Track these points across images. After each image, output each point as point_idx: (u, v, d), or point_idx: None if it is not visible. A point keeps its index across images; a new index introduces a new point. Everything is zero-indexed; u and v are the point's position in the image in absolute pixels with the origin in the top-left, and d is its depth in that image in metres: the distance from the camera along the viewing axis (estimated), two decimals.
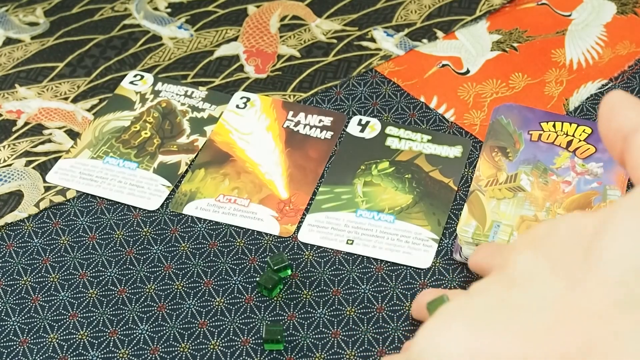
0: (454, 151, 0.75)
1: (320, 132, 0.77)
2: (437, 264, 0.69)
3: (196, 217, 0.72)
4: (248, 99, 0.79)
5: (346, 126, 0.77)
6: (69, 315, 0.68)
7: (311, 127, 0.77)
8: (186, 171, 0.75)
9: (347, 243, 0.70)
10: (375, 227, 0.71)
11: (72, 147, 0.76)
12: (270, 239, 0.71)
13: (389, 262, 0.69)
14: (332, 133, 0.77)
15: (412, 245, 0.70)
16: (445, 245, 0.70)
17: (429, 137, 0.76)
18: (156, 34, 0.84)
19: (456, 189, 0.73)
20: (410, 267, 0.69)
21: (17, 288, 0.69)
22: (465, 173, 0.74)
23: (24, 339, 0.67)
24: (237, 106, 0.79)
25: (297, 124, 0.77)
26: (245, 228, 0.72)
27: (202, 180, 0.74)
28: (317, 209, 0.72)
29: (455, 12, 0.84)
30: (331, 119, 0.78)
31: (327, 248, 0.70)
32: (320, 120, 0.77)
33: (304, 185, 0.74)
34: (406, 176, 0.74)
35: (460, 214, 0.71)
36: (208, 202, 0.73)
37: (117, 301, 0.68)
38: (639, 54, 0.81)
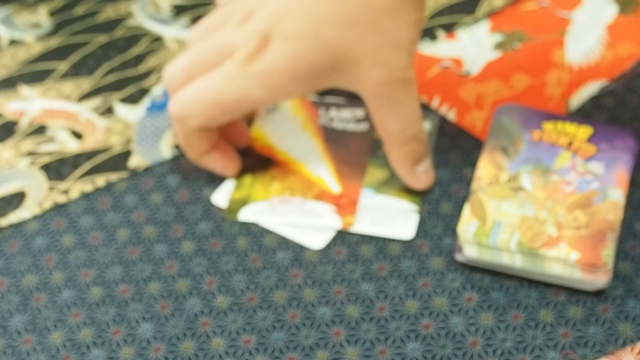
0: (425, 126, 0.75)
1: (356, 124, 0.76)
2: (438, 264, 0.69)
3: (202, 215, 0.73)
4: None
5: None
6: (72, 314, 0.68)
7: (347, 122, 0.77)
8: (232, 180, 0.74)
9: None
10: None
11: None
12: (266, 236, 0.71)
13: (370, 235, 0.70)
14: (367, 125, 0.76)
15: (393, 216, 0.71)
16: (446, 245, 0.71)
17: None
18: (160, 35, 0.85)
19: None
20: (411, 267, 0.69)
21: (20, 288, 0.69)
22: (466, 173, 0.74)
23: (27, 338, 0.67)
24: (266, 110, 0.78)
25: (332, 120, 0.77)
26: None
27: (250, 186, 0.74)
28: None
29: (456, 12, 0.84)
30: (363, 111, 0.77)
31: (327, 247, 0.71)
32: (353, 115, 0.77)
33: (353, 176, 0.74)
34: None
35: (461, 213, 0.71)
36: (261, 206, 0.73)
37: (120, 301, 0.69)
38: None
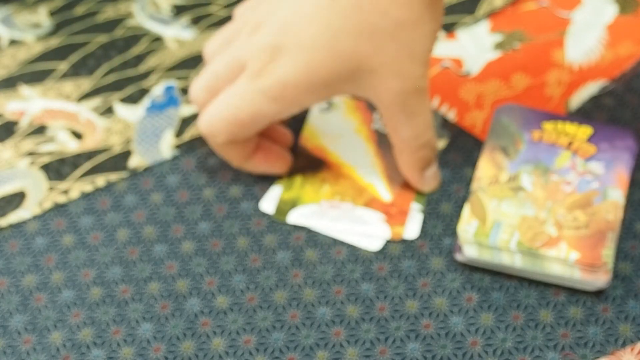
0: None
1: None
2: (438, 264, 0.70)
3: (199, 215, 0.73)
4: (331, 102, 0.78)
5: None
6: (72, 314, 0.68)
7: None
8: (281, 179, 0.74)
9: None
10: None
11: None
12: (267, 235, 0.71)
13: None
14: None
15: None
16: (446, 245, 0.71)
17: None
18: (160, 35, 0.85)
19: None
20: (411, 267, 0.69)
21: (20, 288, 0.69)
22: (466, 173, 0.74)
23: (27, 338, 0.67)
24: (320, 109, 0.78)
25: None
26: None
27: (301, 187, 0.74)
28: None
29: (456, 12, 0.84)
30: None
31: (327, 248, 0.71)
32: None
33: (405, 185, 0.73)
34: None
35: (461, 213, 0.71)
36: (311, 209, 0.72)
37: (120, 301, 0.69)
38: None
